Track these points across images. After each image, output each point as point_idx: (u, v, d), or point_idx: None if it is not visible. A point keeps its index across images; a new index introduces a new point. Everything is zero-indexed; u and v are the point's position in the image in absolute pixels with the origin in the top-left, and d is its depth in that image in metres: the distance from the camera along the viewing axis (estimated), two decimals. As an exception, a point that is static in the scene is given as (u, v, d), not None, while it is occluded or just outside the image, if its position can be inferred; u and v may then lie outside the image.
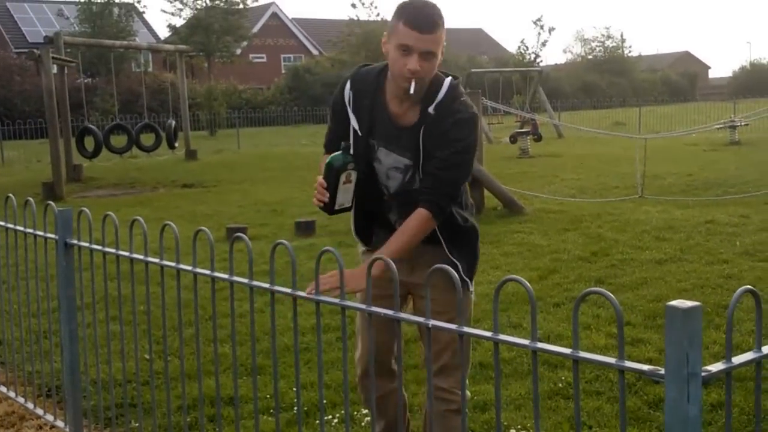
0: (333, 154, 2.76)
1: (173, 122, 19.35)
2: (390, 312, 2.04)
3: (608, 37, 59.05)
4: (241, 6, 42.63)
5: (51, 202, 3.59)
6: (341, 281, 2.21)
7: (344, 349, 2.19)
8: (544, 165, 16.39)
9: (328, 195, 2.74)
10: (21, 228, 3.81)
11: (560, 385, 4.16)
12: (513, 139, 20.24)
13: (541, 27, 38.80)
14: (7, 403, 4.05)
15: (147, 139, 19.22)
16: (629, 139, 15.74)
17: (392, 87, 2.74)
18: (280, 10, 55.35)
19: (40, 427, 3.82)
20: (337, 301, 2.15)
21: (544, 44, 42.41)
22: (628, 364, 1.51)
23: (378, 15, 44.72)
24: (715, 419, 3.69)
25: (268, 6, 53.97)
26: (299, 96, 41.54)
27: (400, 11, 2.65)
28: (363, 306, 2.10)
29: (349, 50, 42.78)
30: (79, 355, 3.47)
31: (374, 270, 2.23)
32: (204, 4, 41.41)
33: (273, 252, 2.31)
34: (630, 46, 70.65)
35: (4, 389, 4.13)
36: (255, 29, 49.17)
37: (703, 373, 1.39)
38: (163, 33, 46.73)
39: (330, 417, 3.85)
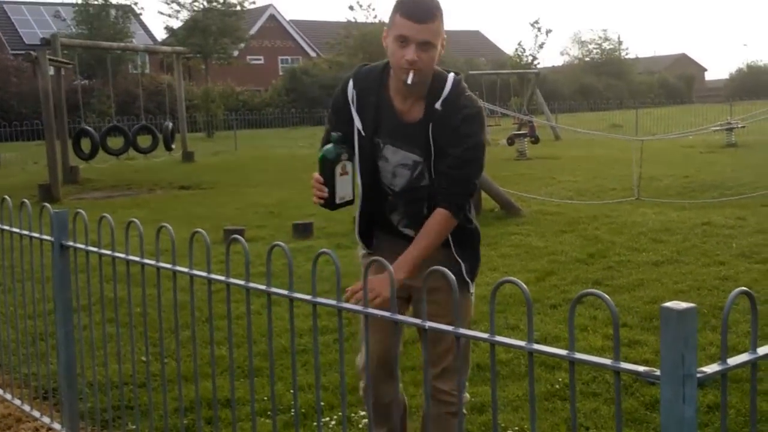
0: (325, 147, 2.73)
1: (170, 124, 19.34)
2: (387, 314, 2.03)
3: (605, 39, 59.13)
4: (238, 8, 42.61)
5: (46, 204, 3.59)
6: (365, 289, 2.18)
7: (341, 351, 2.19)
8: (542, 167, 16.40)
9: (326, 190, 2.71)
10: (17, 230, 3.80)
11: (557, 386, 4.16)
12: (510, 141, 20.25)
13: (539, 29, 38.88)
14: (4, 406, 4.04)
15: (144, 140, 19.21)
16: (626, 141, 15.75)
17: (395, 82, 2.73)
18: (278, 12, 55.35)
19: (37, 430, 3.81)
20: (333, 302, 2.15)
21: (541, 46, 42.48)
22: (624, 365, 1.51)
23: (375, 17, 44.73)
24: (711, 420, 3.70)
25: (265, 8, 53.96)
26: (297, 98, 41.54)
27: (398, 4, 2.66)
28: (360, 308, 2.09)
29: (347, 52, 42.79)
30: (75, 357, 3.47)
31: (399, 274, 2.27)
32: (201, 6, 41.39)
33: (270, 254, 2.31)
34: (627, 49, 70.94)
35: (0, 392, 4.12)
36: (252, 31, 49.17)
37: (698, 375, 1.39)
38: (160, 35, 46.63)
39: (327, 419, 3.84)
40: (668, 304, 1.38)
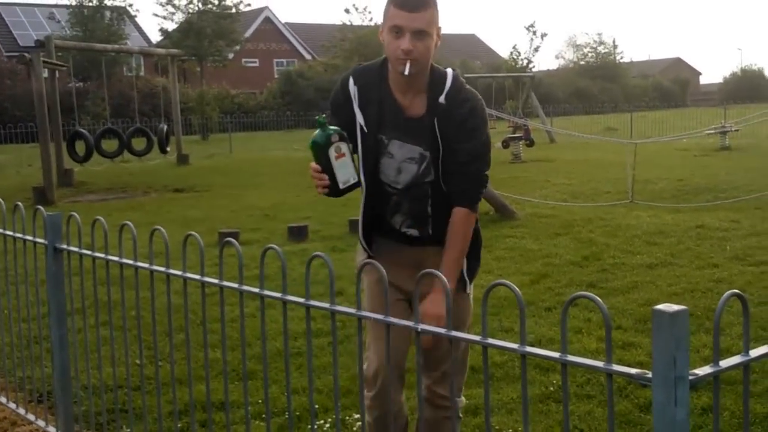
0: (314, 134, 2.63)
1: (165, 126, 19.32)
2: (380, 317, 2.03)
3: (600, 43, 59.28)
4: (233, 10, 42.60)
5: (40, 207, 3.58)
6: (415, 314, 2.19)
7: (334, 354, 2.19)
8: (536, 170, 16.42)
9: (326, 177, 2.61)
10: (10, 233, 3.79)
11: (551, 388, 4.16)
12: (505, 144, 20.27)
13: (534, 33, 38.76)
14: (-3, 409, 4.03)
15: (138, 143, 19.17)
16: (621, 145, 15.78)
17: (394, 76, 2.72)
18: (273, 15, 55.33)
19: (31, 433, 3.80)
20: (326, 305, 2.15)
21: (536, 50, 42.55)
22: (616, 367, 1.51)
23: (371, 20, 44.79)
24: (705, 423, 3.70)
25: (260, 10, 53.95)
26: (292, 101, 41.53)
27: None
28: (353, 311, 2.09)
29: (343, 55, 42.81)
30: (69, 361, 3.46)
31: (450, 284, 2.35)
32: (196, 8, 41.37)
33: (263, 256, 2.31)
34: (622, 52, 71.14)
35: (-6, 394, 4.11)
36: (247, 33, 49.16)
37: (690, 377, 1.40)
38: (155, 37, 46.60)
39: (322, 422, 3.84)
40: (660, 306, 1.39)
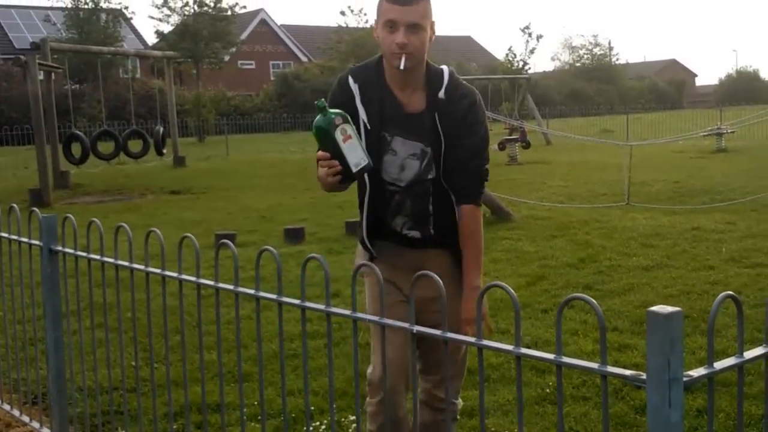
0: (315, 120, 2.52)
1: (161, 129, 19.30)
2: (375, 318, 2.03)
3: (596, 44, 59.33)
4: (229, 12, 42.56)
5: (35, 209, 3.58)
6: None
7: (330, 356, 2.19)
8: (533, 172, 16.43)
9: (337, 162, 2.49)
10: (5, 235, 3.79)
11: (547, 390, 4.16)
12: (501, 146, 20.28)
13: (530, 34, 38.82)
14: (-7, 411, 4.03)
15: (135, 145, 19.16)
16: (617, 147, 15.81)
17: (390, 72, 2.71)
18: (269, 17, 55.33)
19: (26, 435, 3.79)
20: (322, 307, 2.15)
21: (532, 52, 42.44)
22: (611, 369, 1.51)
23: (367, 22, 44.78)
24: (701, 424, 3.71)
25: (256, 12, 53.94)
26: (288, 103, 41.51)
27: None
28: (348, 312, 2.09)
29: (339, 57, 42.81)
30: (65, 363, 3.46)
31: (477, 282, 2.55)
32: (192, 11, 41.32)
33: (258, 258, 2.31)
34: (617, 54, 70.95)
35: (-11, 397, 4.10)
36: (243, 36, 49.13)
37: (684, 379, 1.40)
38: (151, 39, 46.50)
39: (318, 423, 3.84)
40: (654, 308, 1.39)
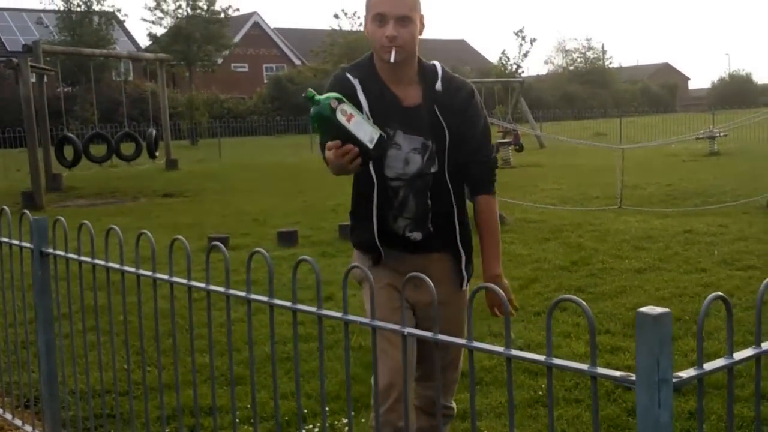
0: (311, 111, 2.38)
1: (154, 131, 19.28)
2: (366, 320, 2.03)
3: (589, 48, 59.58)
4: (222, 15, 42.54)
5: (26, 211, 3.57)
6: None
7: (321, 359, 2.19)
8: (526, 175, 16.46)
9: (351, 146, 2.37)
10: (-3, 237, 3.78)
11: (540, 393, 4.17)
12: (495, 149, 20.29)
13: (523, 38, 38.85)
14: (-16, 415, 4.01)
15: (127, 148, 19.13)
16: (610, 150, 15.84)
17: (381, 66, 2.71)
18: (262, 20, 55.31)
19: (17, 439, 3.78)
20: (313, 309, 2.15)
21: (525, 55, 42.64)
22: (600, 370, 1.52)
23: (360, 25, 44.76)
24: (693, 427, 3.71)
25: (249, 15, 53.93)
26: (281, 106, 41.50)
27: None
28: (339, 314, 2.09)
29: (332, 60, 42.81)
30: (57, 366, 3.45)
31: (498, 270, 2.75)
32: (185, 13, 41.29)
33: (249, 260, 2.31)
34: (610, 58, 71.43)
35: (-20, 400, 4.09)
36: (236, 39, 49.08)
37: (674, 380, 1.40)
38: (144, 42, 46.44)
39: (311, 426, 3.84)
40: (643, 309, 1.39)
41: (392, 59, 2.60)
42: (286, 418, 3.92)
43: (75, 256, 3.15)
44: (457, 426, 3.78)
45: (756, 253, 7.50)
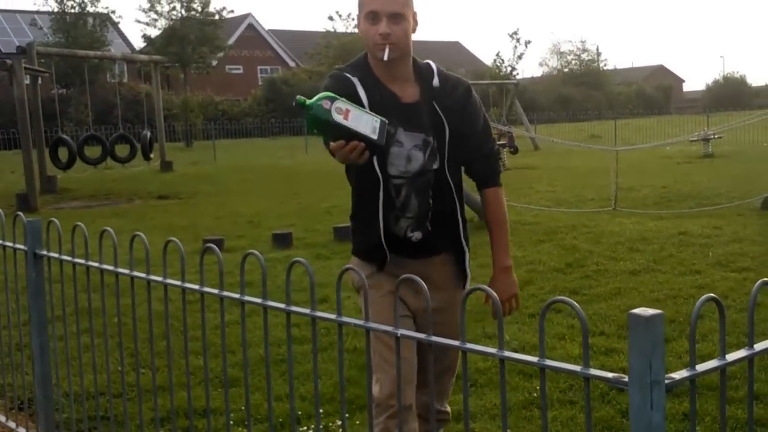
0: (306, 116, 2.36)
1: (148, 133, 19.25)
2: (360, 322, 2.03)
3: (584, 50, 59.71)
4: (216, 17, 42.55)
5: (20, 213, 3.56)
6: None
7: (315, 361, 2.19)
8: (520, 177, 16.47)
9: (356, 142, 2.35)
10: (-9, 239, 3.77)
11: (534, 394, 4.17)
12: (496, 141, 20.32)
13: (518, 40, 38.93)
14: (-23, 417, 4.00)
15: (122, 150, 19.10)
16: (604, 152, 15.87)
17: (376, 65, 2.70)
18: (257, 22, 55.31)
19: (11, 441, 3.77)
20: (307, 311, 2.15)
21: (520, 57, 42.82)
22: (593, 371, 1.52)
23: (355, 27, 44.80)
24: (687, 428, 3.72)
25: (244, 17, 53.93)
26: (276, 108, 41.51)
27: None
28: (333, 316, 2.09)
29: (327, 62, 42.83)
30: (50, 368, 3.44)
31: (507, 262, 2.77)
32: (179, 15, 41.29)
33: (243, 262, 2.31)
34: (605, 60, 71.55)
35: (-27, 403, 4.08)
36: (231, 40, 49.11)
37: (666, 381, 1.41)
38: (138, 43, 46.39)
39: (305, 428, 3.83)
40: (636, 310, 1.40)
41: (386, 57, 2.59)
42: (281, 420, 3.92)
43: (69, 258, 3.14)
44: (451, 428, 3.78)
45: (750, 255, 7.52)
